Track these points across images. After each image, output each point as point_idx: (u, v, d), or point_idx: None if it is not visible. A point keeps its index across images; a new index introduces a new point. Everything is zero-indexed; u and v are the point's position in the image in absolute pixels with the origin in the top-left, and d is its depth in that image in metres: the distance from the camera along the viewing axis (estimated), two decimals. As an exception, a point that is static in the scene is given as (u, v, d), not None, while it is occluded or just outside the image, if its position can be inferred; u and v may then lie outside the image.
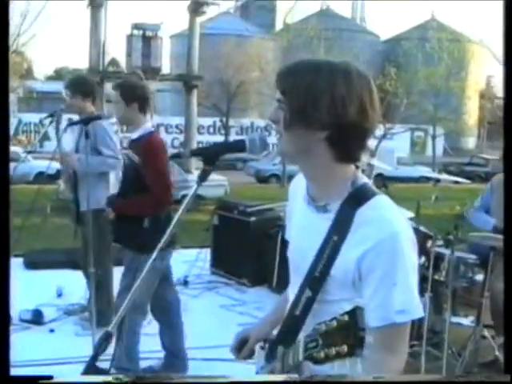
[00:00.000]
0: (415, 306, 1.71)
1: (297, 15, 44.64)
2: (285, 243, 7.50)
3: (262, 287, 7.32)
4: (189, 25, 20.38)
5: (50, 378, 1.41)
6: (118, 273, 5.19)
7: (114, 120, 4.61)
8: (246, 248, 7.38)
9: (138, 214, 4.20)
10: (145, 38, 20.47)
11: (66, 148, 5.60)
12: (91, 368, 1.84)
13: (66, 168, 5.41)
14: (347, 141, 1.72)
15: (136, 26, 20.45)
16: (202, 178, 1.87)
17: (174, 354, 4.88)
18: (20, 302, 5.99)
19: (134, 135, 4.37)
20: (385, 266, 1.68)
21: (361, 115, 1.70)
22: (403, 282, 1.69)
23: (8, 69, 1.59)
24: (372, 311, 1.69)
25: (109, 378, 1.56)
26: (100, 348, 1.85)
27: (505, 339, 1.63)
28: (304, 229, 1.92)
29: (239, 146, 1.90)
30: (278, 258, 7.08)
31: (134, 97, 4.27)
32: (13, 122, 32.07)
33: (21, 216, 10.87)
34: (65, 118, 6.70)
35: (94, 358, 1.85)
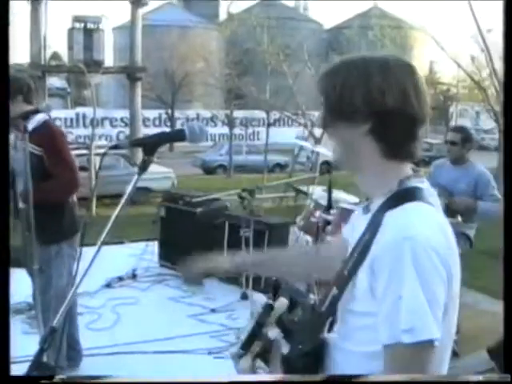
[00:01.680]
0: (425, 326, 1.50)
1: (240, 4, 44.70)
2: (232, 232, 7.51)
3: (211, 278, 7.31)
4: (131, 16, 20.22)
5: (51, 377, 1.40)
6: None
7: (54, 116, 4.55)
8: (194, 239, 7.34)
9: (46, 202, 4.07)
10: (86, 31, 20.27)
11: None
12: (38, 364, 1.82)
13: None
14: (391, 131, 1.66)
15: (77, 19, 20.21)
16: (143, 168, 1.87)
17: (72, 347, 4.80)
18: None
19: (29, 127, 4.18)
20: (389, 275, 1.54)
21: (402, 103, 1.64)
22: (411, 296, 1.50)
23: (8, 68, 1.56)
24: (380, 326, 1.56)
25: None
26: (45, 343, 1.84)
27: (505, 339, 1.59)
28: (351, 231, 1.87)
29: (179, 135, 1.91)
30: (225, 248, 7.08)
31: (16, 90, 4.19)
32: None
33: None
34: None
35: (40, 353, 1.83)
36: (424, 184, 1.72)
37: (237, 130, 34.69)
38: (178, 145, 40.69)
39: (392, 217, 1.61)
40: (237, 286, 6.72)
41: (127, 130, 27.10)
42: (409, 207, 1.61)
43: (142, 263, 7.77)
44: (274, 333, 1.83)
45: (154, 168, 14.28)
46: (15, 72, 4.27)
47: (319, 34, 48.90)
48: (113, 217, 1.91)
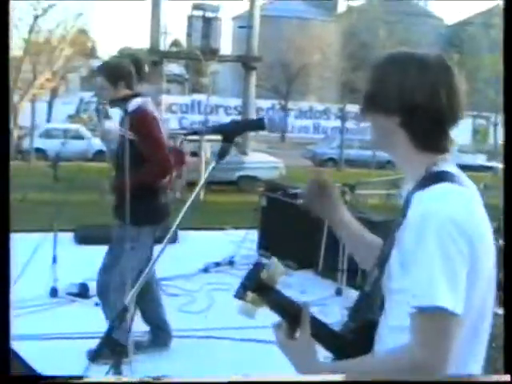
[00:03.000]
0: (437, 293, 1.56)
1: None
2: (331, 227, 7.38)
3: (308, 271, 7.29)
4: (249, 6, 20.38)
5: (52, 378, 1.43)
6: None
7: (149, 99, 4.64)
8: (293, 230, 7.35)
9: (140, 187, 4.15)
10: (205, 19, 20.57)
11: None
12: (108, 340, 1.87)
13: (106, 145, 5.46)
14: (419, 125, 1.74)
15: (196, 7, 20.57)
16: (221, 155, 1.85)
17: (160, 327, 4.89)
18: (68, 276, 6.13)
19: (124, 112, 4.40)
20: (412, 248, 1.61)
21: (431, 100, 1.71)
22: (427, 266, 1.57)
23: (8, 67, 1.60)
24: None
25: (112, 379, 1.58)
26: (116, 320, 1.88)
27: (505, 339, 1.55)
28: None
29: (258, 124, 1.89)
30: (324, 242, 7.03)
31: (119, 77, 4.31)
32: (74, 101, 32.66)
33: (78, 192, 11.13)
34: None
35: (110, 330, 1.87)
36: (452, 168, 1.76)
37: (349, 124, 34.43)
38: (290, 135, 40.92)
39: (418, 197, 1.68)
40: (332, 280, 6.66)
41: (240, 119, 27.39)
42: (435, 187, 1.68)
43: (241, 251, 7.84)
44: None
45: (262, 157, 14.55)
46: (118, 59, 4.42)
47: (439, 30, 47.58)
48: (188, 202, 1.91)
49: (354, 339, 1.79)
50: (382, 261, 1.75)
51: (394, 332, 1.71)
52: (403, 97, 1.72)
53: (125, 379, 1.56)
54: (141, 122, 4.29)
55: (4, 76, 1.52)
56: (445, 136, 1.77)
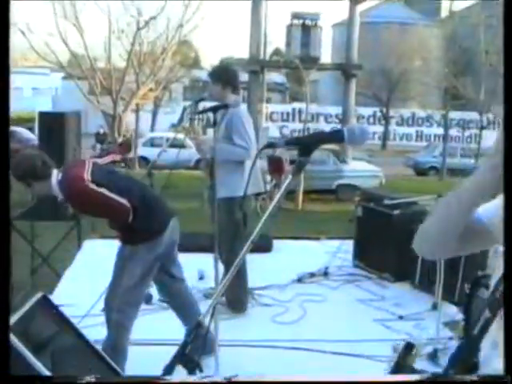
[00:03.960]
0: None
1: (462, 2, 42.99)
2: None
3: (404, 283, 7.09)
4: (348, 13, 20.25)
5: (50, 378, 1.42)
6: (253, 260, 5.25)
7: (242, 108, 4.64)
8: (389, 242, 7.17)
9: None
10: (304, 28, 20.58)
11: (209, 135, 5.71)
12: (181, 356, 1.84)
13: (201, 155, 5.52)
14: None
15: (296, 16, 20.60)
16: (298, 169, 1.79)
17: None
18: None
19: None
20: None
21: None
22: None
23: (8, 67, 1.60)
24: None
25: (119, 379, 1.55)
26: (190, 336, 1.86)
27: (505, 339, 1.42)
28: None
29: (337, 137, 1.81)
30: (421, 254, 6.83)
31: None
32: (177, 110, 33.35)
33: (180, 200, 11.31)
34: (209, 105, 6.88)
35: (184, 346, 1.85)
36: None
37: (453, 132, 33.53)
38: (391, 143, 40.32)
39: None
40: (429, 293, 6.45)
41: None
42: None
43: (336, 261, 7.74)
44: None
45: (362, 166, 14.41)
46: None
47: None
48: (266, 214, 1.86)
49: None
50: (497, 303, 1.58)
51: None
52: None
53: (120, 378, 1.53)
54: None
55: (4, 75, 1.52)
56: None
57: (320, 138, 1.84)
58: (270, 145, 1.91)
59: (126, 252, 4.30)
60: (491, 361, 1.61)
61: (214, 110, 4.05)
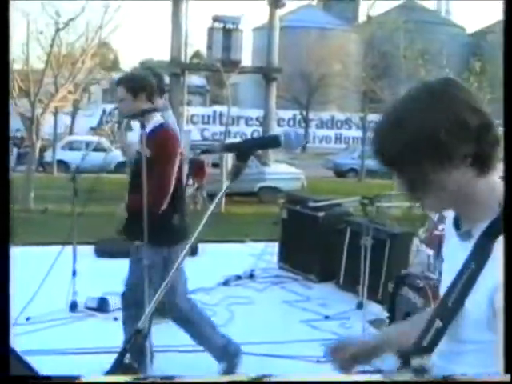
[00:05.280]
0: None
1: (380, 7, 44.04)
2: (353, 239, 7.34)
3: (329, 284, 7.22)
4: (269, 17, 20.41)
5: (49, 378, 1.39)
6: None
7: (170, 112, 4.60)
8: (314, 243, 7.29)
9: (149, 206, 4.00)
10: (225, 31, 20.62)
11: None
12: (120, 364, 1.82)
13: (127, 159, 5.46)
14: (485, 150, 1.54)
15: (217, 19, 20.62)
16: (235, 174, 1.80)
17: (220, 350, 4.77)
18: (87, 290, 6.11)
19: (147, 129, 4.21)
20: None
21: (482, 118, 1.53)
22: None
23: (8, 69, 1.57)
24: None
25: (113, 379, 1.54)
26: (129, 344, 1.84)
27: (505, 339, 1.47)
28: (448, 260, 1.78)
29: (274, 142, 1.83)
30: (345, 255, 6.97)
31: (140, 88, 4.22)
32: (97, 113, 32.87)
33: (99, 204, 11.12)
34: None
35: (123, 353, 1.83)
36: None
37: (371, 134, 34.26)
38: (310, 146, 40.85)
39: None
40: (353, 293, 6.58)
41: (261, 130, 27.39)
42: None
43: (261, 263, 7.80)
44: None
45: (284, 168, 14.59)
46: (139, 71, 4.40)
47: (461, 39, 47.27)
48: (203, 220, 1.86)
49: None
50: (449, 313, 1.59)
51: None
52: (472, 135, 1.50)
53: (124, 378, 1.52)
54: (159, 142, 4.20)
55: (4, 76, 1.49)
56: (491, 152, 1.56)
57: (257, 144, 1.86)
58: (206, 151, 1.91)
59: (165, 253, 4.22)
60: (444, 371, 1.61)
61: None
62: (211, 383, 1.62)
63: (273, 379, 1.57)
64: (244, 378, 1.55)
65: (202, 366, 4.62)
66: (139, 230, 3.95)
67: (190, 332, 4.62)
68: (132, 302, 4.40)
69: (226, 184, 1.81)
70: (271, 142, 1.86)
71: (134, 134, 5.53)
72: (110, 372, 1.79)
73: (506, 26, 1.68)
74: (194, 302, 4.70)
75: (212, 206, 1.85)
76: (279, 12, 20.91)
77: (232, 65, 19.80)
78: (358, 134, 30.82)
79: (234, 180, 1.81)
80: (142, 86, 4.25)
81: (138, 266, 4.23)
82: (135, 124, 5.05)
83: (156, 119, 4.33)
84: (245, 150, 1.81)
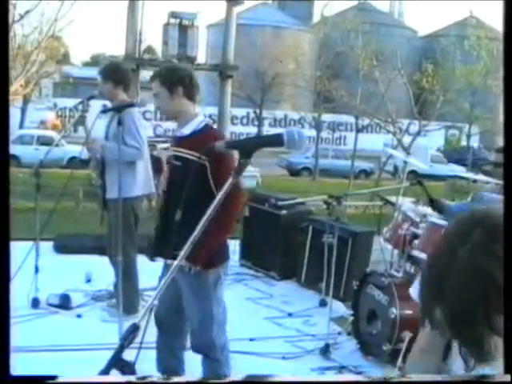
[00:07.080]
0: None
1: (335, 8, 44.37)
2: (315, 237, 7.40)
3: (291, 281, 7.27)
4: (225, 15, 20.34)
5: (54, 377, 1.37)
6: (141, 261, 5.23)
7: (146, 108, 4.55)
8: (276, 241, 7.33)
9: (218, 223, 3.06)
10: (181, 27, 20.47)
11: (97, 134, 5.58)
12: (117, 360, 1.81)
13: (92, 154, 5.41)
14: None
15: (173, 15, 20.44)
16: (238, 171, 1.82)
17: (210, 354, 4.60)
18: (48, 287, 6.01)
19: (185, 130, 3.77)
20: None
21: None
22: None
23: (8, 69, 1.55)
24: None
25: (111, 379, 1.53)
26: (126, 340, 1.83)
27: (505, 339, 1.50)
28: None
29: (277, 141, 1.85)
30: (307, 253, 7.02)
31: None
32: (48, 107, 32.39)
33: (53, 200, 10.94)
34: (100, 104, 6.73)
35: (120, 350, 1.82)
36: None
37: (324, 134, 34.51)
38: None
39: None
40: (316, 291, 6.64)
41: (215, 127, 27.33)
42: None
43: (222, 261, 7.78)
44: None
45: (239, 166, 14.31)
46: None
47: (413, 41, 47.93)
48: (204, 217, 1.86)
49: None
50: None
51: None
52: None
53: (122, 378, 1.51)
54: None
55: (4, 74, 1.47)
56: None
57: (260, 142, 1.87)
58: (211, 148, 1.91)
59: (210, 278, 3.84)
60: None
61: (119, 109, 3.96)
62: (211, 383, 1.62)
63: (273, 379, 1.58)
64: (244, 378, 1.56)
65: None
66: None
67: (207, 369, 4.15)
68: (168, 327, 4.10)
69: (229, 181, 1.81)
70: (274, 141, 1.87)
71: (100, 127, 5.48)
72: (106, 368, 1.78)
73: (505, 27, 1.71)
74: (227, 339, 4.26)
75: (212, 206, 1.85)
76: (236, 10, 20.87)
77: (188, 61, 19.65)
78: (312, 133, 30.98)
79: (237, 177, 1.82)
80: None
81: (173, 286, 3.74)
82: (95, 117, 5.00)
83: (197, 120, 3.87)
84: (249, 148, 1.82)
